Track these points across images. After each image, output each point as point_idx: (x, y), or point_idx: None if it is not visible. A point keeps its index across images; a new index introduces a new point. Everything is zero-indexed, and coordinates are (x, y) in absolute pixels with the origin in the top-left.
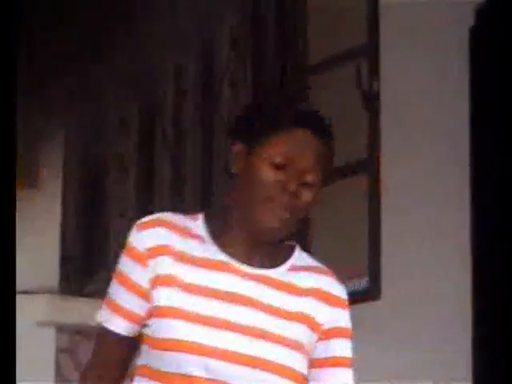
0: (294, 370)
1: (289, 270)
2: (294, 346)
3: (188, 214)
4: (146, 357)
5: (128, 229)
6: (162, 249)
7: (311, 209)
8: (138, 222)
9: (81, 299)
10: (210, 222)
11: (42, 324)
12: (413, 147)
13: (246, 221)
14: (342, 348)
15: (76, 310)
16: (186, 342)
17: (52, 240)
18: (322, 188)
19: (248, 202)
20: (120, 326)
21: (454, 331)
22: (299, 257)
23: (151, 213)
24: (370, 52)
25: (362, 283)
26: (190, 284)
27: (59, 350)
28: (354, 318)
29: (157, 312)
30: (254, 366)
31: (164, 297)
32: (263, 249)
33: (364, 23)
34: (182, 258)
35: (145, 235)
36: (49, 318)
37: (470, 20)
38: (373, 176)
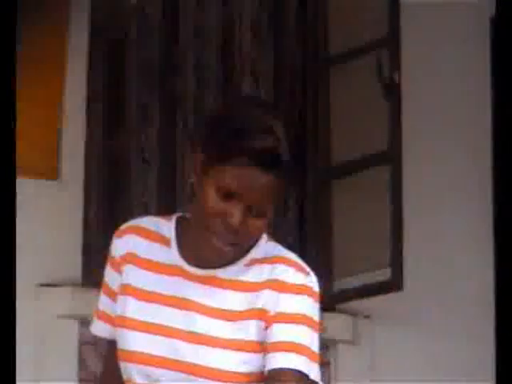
0: (233, 373)
1: (246, 264)
2: (239, 346)
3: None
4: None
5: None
6: (131, 256)
7: (266, 230)
8: (118, 229)
9: None
10: (180, 224)
11: (65, 317)
12: (434, 137)
13: (194, 238)
14: (284, 333)
15: None
16: (131, 351)
17: (74, 232)
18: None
19: (195, 221)
20: (105, 330)
21: (476, 323)
22: (261, 249)
23: (174, 203)
24: (391, 43)
25: (385, 274)
26: (143, 291)
27: (82, 343)
28: (377, 309)
29: (117, 322)
30: (189, 372)
31: (121, 306)
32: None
33: (385, 14)
34: (143, 264)
35: (119, 243)
36: (72, 311)
37: (491, 9)
38: (394, 166)
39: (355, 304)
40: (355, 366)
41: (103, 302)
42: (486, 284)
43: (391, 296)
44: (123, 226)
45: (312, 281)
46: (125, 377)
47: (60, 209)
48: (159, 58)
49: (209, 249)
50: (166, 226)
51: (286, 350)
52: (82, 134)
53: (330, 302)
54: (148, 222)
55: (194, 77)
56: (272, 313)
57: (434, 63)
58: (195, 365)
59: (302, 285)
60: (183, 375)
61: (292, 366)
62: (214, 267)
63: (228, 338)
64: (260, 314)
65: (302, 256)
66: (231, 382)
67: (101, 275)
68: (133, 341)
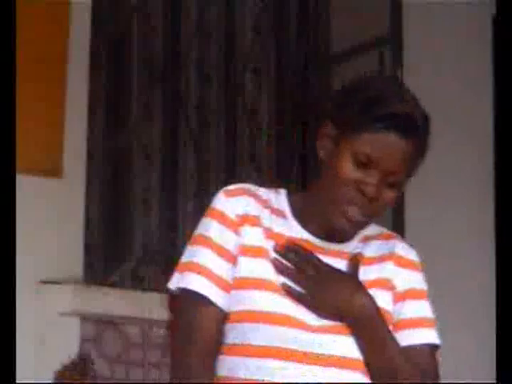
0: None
1: (361, 241)
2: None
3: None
4: (232, 333)
5: (152, 216)
6: (253, 219)
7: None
8: (225, 188)
9: (105, 288)
10: (291, 199)
11: (67, 314)
12: (435, 133)
13: (321, 212)
14: (417, 309)
15: (101, 300)
16: (278, 314)
17: (76, 229)
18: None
19: (326, 193)
20: (211, 291)
21: (476, 316)
22: (373, 229)
23: (175, 200)
24: (393, 41)
25: None
26: (275, 259)
27: (84, 340)
28: None
29: (243, 283)
30: (337, 333)
31: (251, 268)
32: None
33: (387, 12)
34: (269, 233)
35: (235, 202)
36: (73, 308)
37: (492, 8)
38: None
39: None
40: None
41: (212, 261)
42: (486, 278)
43: None
44: (233, 187)
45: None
46: (260, 343)
47: (62, 206)
48: (161, 57)
49: (340, 221)
50: (276, 198)
51: (420, 326)
52: (85, 133)
53: None
54: (256, 188)
55: (196, 75)
56: (400, 289)
57: (436, 60)
58: (337, 326)
59: (419, 262)
60: (327, 336)
61: (429, 341)
62: (338, 242)
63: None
64: (387, 285)
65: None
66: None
67: (102, 272)
68: (281, 305)
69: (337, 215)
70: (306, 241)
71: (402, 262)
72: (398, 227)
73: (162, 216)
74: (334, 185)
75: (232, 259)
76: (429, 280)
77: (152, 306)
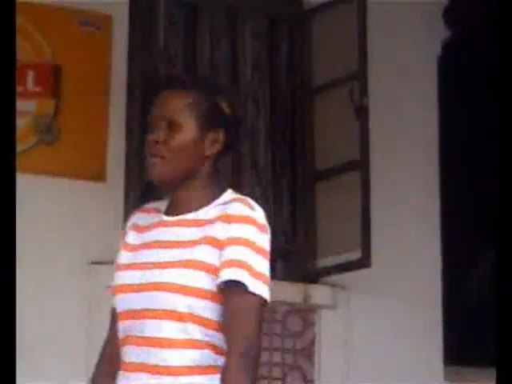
0: (186, 286)
1: (210, 208)
2: (193, 265)
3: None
4: None
5: None
6: (132, 226)
7: (182, 151)
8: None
9: None
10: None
11: None
12: (396, 148)
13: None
14: (235, 252)
15: None
16: (116, 286)
17: (118, 220)
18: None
19: None
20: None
21: (425, 290)
22: (226, 196)
23: None
24: (361, 75)
25: (357, 254)
26: (131, 245)
27: None
28: (351, 281)
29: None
30: (154, 289)
31: (119, 257)
32: (184, 199)
33: (355, 54)
34: (137, 228)
35: (131, 218)
36: None
37: (438, 49)
38: (363, 171)
39: (334, 277)
40: (334, 327)
41: (122, 256)
42: (432, 260)
43: (362, 271)
44: (140, 207)
45: (257, 214)
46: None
47: (107, 203)
48: None
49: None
50: (164, 203)
51: (229, 266)
52: (123, 147)
53: (314, 275)
54: (156, 203)
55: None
56: (223, 238)
57: (395, 91)
58: (159, 283)
59: (247, 216)
60: (149, 293)
61: (233, 278)
62: (185, 213)
63: (186, 259)
64: (212, 241)
65: (293, 239)
66: (190, 295)
67: None
68: (119, 279)
69: (148, 173)
70: (160, 221)
71: (228, 219)
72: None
73: None
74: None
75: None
76: (390, 262)
77: None
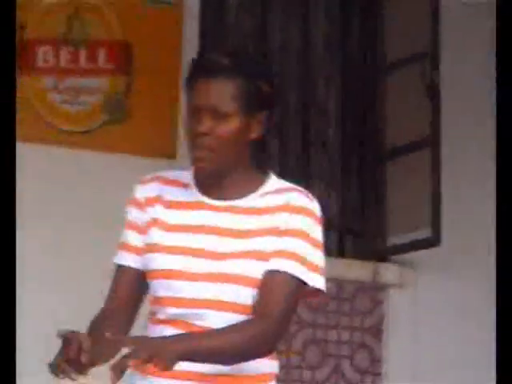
0: (248, 277)
1: (260, 196)
2: (255, 256)
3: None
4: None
5: None
6: (156, 199)
7: (232, 140)
8: (142, 178)
9: None
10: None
11: None
12: (466, 126)
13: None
14: (287, 243)
15: None
16: (161, 270)
17: None
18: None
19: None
20: (130, 259)
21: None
22: (273, 183)
23: None
24: (433, 54)
25: (427, 232)
26: (171, 225)
27: None
28: (420, 260)
29: (149, 249)
30: (214, 280)
31: (153, 236)
32: (228, 183)
33: (427, 32)
34: (169, 204)
35: (143, 188)
36: None
37: None
38: (435, 150)
39: (404, 256)
40: (402, 305)
41: (129, 236)
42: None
43: (431, 250)
44: (146, 177)
45: (315, 206)
46: (160, 294)
47: None
48: None
49: (195, 166)
50: (185, 174)
51: (278, 256)
52: None
53: (383, 254)
54: (168, 172)
55: (280, 81)
56: (282, 228)
57: (467, 68)
58: (228, 274)
59: (306, 207)
60: (208, 284)
61: (281, 268)
62: (233, 199)
63: (245, 251)
64: (273, 231)
65: (364, 219)
66: (249, 286)
67: None
68: (163, 261)
69: (192, 159)
70: (202, 202)
71: (293, 210)
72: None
73: None
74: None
75: (139, 229)
76: (461, 240)
77: None
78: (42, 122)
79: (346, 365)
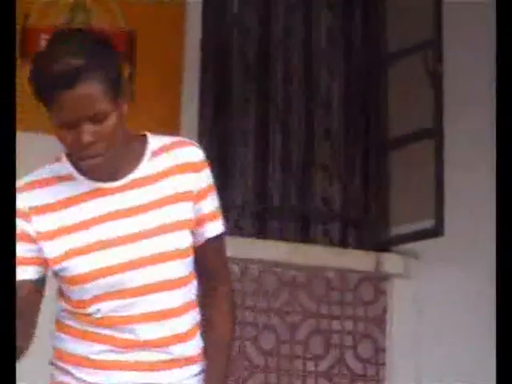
0: (177, 251)
1: (149, 159)
2: (175, 227)
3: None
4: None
5: (249, 183)
6: (40, 207)
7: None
8: (18, 184)
9: None
10: (73, 160)
11: None
12: (470, 115)
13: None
14: (212, 202)
15: None
16: (85, 273)
17: None
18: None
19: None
20: (33, 271)
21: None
22: (154, 143)
23: (266, 170)
24: (436, 43)
25: (430, 223)
26: (74, 225)
27: None
28: (423, 250)
29: (62, 258)
30: (140, 266)
31: (52, 247)
32: (116, 163)
33: (430, 21)
34: (58, 206)
35: (23, 197)
36: None
37: None
38: (438, 140)
39: (407, 246)
40: (406, 295)
41: (25, 250)
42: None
43: (434, 240)
44: (20, 183)
45: (201, 151)
46: (83, 298)
47: None
48: (255, 58)
49: (88, 170)
50: (58, 166)
51: (209, 221)
52: (196, 119)
53: (386, 244)
54: (38, 173)
55: (281, 73)
56: (195, 192)
57: (469, 59)
58: (159, 253)
59: (204, 159)
60: (136, 271)
61: (214, 233)
62: (127, 174)
63: (162, 224)
64: (187, 197)
65: (367, 210)
66: (188, 257)
67: None
68: (87, 263)
69: (87, 170)
70: (96, 189)
71: (194, 168)
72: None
73: (256, 183)
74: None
75: (28, 239)
76: (463, 231)
77: (248, 248)
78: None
79: (349, 355)
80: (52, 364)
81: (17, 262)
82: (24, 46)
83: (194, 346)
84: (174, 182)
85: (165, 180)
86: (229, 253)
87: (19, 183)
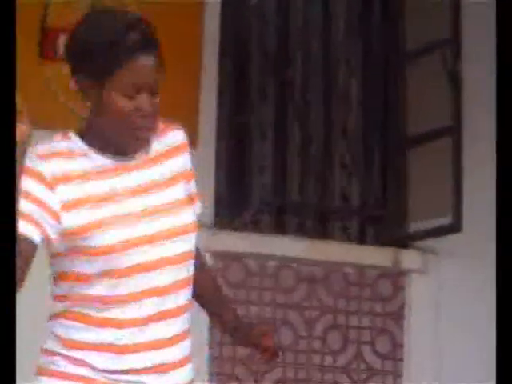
0: (188, 224)
1: (156, 142)
2: (185, 203)
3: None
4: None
5: (267, 176)
6: (63, 176)
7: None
8: (36, 151)
9: (230, 231)
10: (83, 138)
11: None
12: (488, 114)
13: (117, 142)
14: (193, 184)
15: (226, 240)
16: (112, 244)
17: (208, 185)
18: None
19: (111, 129)
20: (32, 232)
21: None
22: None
23: (284, 164)
24: (455, 41)
25: (448, 219)
26: (96, 197)
27: (217, 270)
28: (441, 245)
29: (85, 228)
30: (157, 240)
31: (76, 217)
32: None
33: (449, 19)
34: (80, 178)
35: (45, 164)
36: (206, 246)
37: None
38: (456, 138)
39: (425, 242)
40: (424, 291)
41: (31, 210)
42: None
43: (452, 236)
44: (42, 151)
45: None
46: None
47: (199, 167)
48: (274, 49)
49: (134, 143)
50: (68, 142)
51: (197, 198)
52: (215, 112)
53: (404, 240)
54: (52, 146)
55: (300, 65)
56: (189, 171)
57: (488, 57)
58: (161, 232)
59: (187, 141)
60: (150, 245)
61: (201, 210)
62: (134, 155)
63: (173, 200)
64: (186, 176)
65: (385, 206)
66: (194, 230)
67: (228, 219)
68: (116, 234)
69: (130, 141)
70: (116, 165)
71: (184, 149)
72: None
73: (274, 176)
74: (116, 121)
75: (50, 211)
76: (482, 227)
77: (267, 244)
78: (65, 108)
79: (367, 350)
80: (56, 354)
81: (27, 219)
82: (43, 47)
83: (189, 319)
84: (177, 162)
85: (170, 160)
86: (247, 248)
87: (36, 150)
